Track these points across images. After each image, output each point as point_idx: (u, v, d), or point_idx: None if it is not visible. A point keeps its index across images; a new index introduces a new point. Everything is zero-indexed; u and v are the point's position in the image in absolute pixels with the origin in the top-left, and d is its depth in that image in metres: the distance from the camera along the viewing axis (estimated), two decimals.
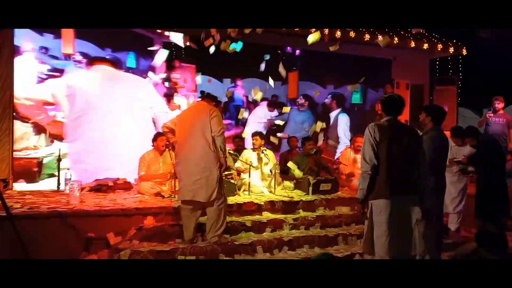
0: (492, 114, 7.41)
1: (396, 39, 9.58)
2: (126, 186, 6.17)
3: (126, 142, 6.61)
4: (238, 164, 6.24)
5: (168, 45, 8.01)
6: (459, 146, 5.86)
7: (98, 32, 6.98)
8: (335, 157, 7.49)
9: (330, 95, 9.06)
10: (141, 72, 8.21)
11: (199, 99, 5.25)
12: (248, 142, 7.44)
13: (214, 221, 4.61)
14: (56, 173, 6.27)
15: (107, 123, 6.68)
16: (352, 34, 9.17)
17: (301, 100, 8.39)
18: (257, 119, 8.65)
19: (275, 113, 8.48)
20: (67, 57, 7.60)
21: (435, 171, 4.17)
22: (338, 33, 9.03)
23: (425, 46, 9.88)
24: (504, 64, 10.03)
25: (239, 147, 7.07)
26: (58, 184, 6.09)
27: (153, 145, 5.99)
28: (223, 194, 4.68)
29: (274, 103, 8.67)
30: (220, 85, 11.17)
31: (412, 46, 9.75)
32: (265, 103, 8.95)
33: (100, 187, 5.97)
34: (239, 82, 10.52)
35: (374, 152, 3.42)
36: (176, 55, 8.24)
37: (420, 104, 10.27)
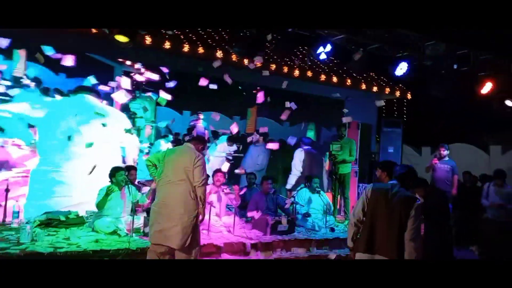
0: (437, 161, 7.90)
1: (348, 81, 10.12)
2: (78, 221, 5.92)
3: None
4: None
5: (129, 73, 7.90)
6: None
7: (53, 55, 6.73)
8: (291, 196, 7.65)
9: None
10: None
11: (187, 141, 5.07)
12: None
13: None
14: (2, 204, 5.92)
15: (74, 153, 6.41)
16: (309, 73, 9.58)
17: (255, 137, 8.51)
18: (216, 153, 8.67)
19: (234, 147, 8.53)
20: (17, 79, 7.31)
21: None
22: (296, 72, 9.36)
23: (375, 89, 10.51)
24: (446, 109, 10.76)
25: None
26: (4, 217, 5.76)
27: (111, 181, 5.80)
28: (198, 241, 4.61)
29: (233, 138, 8.73)
30: (179, 117, 11.11)
31: (363, 88, 10.32)
32: (224, 137, 9.01)
33: (51, 222, 5.70)
34: (200, 115, 10.51)
35: (363, 209, 3.77)
36: (136, 85, 8.12)
37: (368, 142, 10.83)
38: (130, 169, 6.43)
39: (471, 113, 10.29)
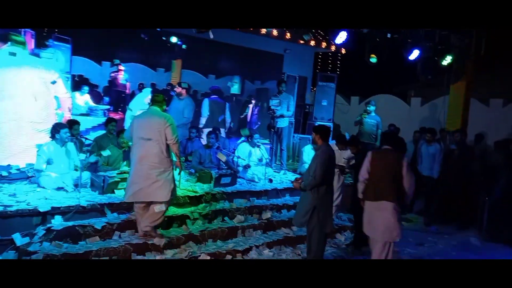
0: (366, 116, 8.59)
1: (288, 34, 10.35)
2: (21, 176, 5.89)
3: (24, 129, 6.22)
4: None
5: None
6: (340, 150, 6.80)
7: None
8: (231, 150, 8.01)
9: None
10: None
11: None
12: None
13: (152, 215, 5.01)
14: None
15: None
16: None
17: (178, 89, 8.69)
18: (141, 106, 8.67)
19: None
20: None
21: (328, 178, 4.99)
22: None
23: (312, 43, 10.85)
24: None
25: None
26: None
27: (53, 138, 5.70)
28: (175, 194, 5.17)
29: (159, 90, 8.79)
30: (97, 67, 10.71)
31: (301, 42, 10.63)
32: (148, 90, 8.97)
33: None
34: (121, 67, 10.22)
35: (368, 170, 4.89)
36: (48, 32, 7.64)
37: (304, 93, 11.34)
38: (73, 123, 6.40)
39: (397, 69, 11.06)
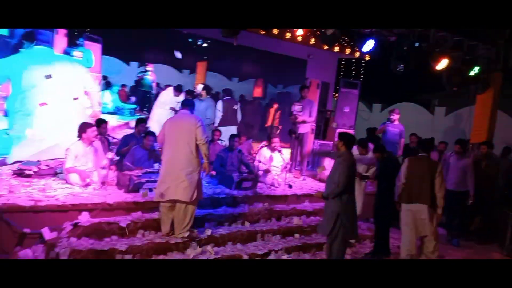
0: (389, 124, 8.57)
1: (312, 40, 10.34)
2: (49, 172, 6.08)
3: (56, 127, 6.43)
4: None
5: None
6: (361, 155, 6.79)
7: None
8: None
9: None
10: None
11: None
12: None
13: (181, 219, 5.15)
14: None
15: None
16: (275, 30, 9.69)
17: (197, 91, 8.83)
18: (161, 104, 8.78)
19: (181, 98, 8.66)
20: None
21: (350, 185, 5.00)
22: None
23: (336, 49, 10.82)
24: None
25: None
26: None
27: (80, 137, 5.84)
28: (200, 194, 5.31)
29: (180, 88, 8.90)
30: (126, 67, 10.85)
31: (325, 48, 10.60)
32: (171, 88, 9.10)
33: (22, 172, 5.83)
34: (149, 67, 10.37)
35: (404, 175, 5.56)
36: (79, 32, 7.82)
37: (325, 100, 11.33)
38: (101, 122, 6.56)
39: (422, 78, 10.94)
